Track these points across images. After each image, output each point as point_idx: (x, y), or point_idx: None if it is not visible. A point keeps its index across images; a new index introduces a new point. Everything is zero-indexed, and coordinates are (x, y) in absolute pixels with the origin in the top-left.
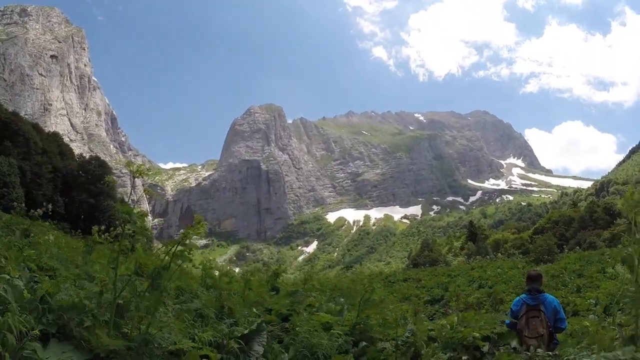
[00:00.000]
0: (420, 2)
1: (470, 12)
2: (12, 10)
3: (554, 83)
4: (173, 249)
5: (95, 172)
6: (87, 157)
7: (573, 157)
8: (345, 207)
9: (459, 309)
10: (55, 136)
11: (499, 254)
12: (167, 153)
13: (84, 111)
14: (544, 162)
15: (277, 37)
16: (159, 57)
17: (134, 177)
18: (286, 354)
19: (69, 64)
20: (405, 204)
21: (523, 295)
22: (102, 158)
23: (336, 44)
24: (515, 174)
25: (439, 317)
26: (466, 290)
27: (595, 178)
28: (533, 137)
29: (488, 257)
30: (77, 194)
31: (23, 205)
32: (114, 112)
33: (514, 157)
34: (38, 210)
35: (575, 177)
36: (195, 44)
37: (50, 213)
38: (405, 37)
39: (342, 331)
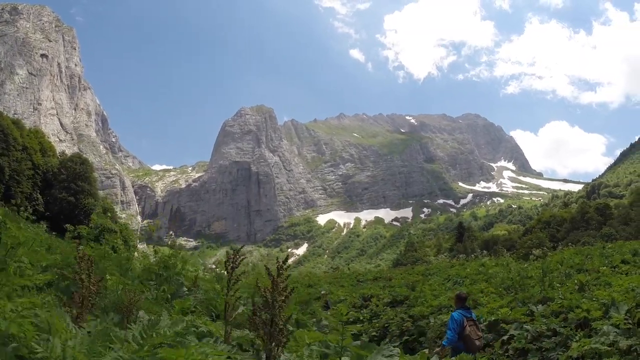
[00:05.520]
0: (394, 3)
1: (446, 12)
2: (2, 9)
3: (537, 84)
4: None
5: (76, 169)
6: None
7: (560, 158)
8: (335, 210)
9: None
10: (37, 133)
11: (484, 252)
12: (157, 154)
13: (74, 111)
14: (531, 164)
15: (260, 38)
16: (148, 59)
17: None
18: None
19: (59, 64)
20: (395, 207)
21: (460, 311)
22: (90, 158)
23: (315, 46)
24: (506, 177)
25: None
26: (437, 289)
27: (586, 181)
28: (518, 138)
29: (473, 255)
30: (58, 191)
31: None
32: (104, 113)
33: (504, 160)
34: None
35: (566, 180)
36: (183, 45)
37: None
38: (381, 39)
39: None
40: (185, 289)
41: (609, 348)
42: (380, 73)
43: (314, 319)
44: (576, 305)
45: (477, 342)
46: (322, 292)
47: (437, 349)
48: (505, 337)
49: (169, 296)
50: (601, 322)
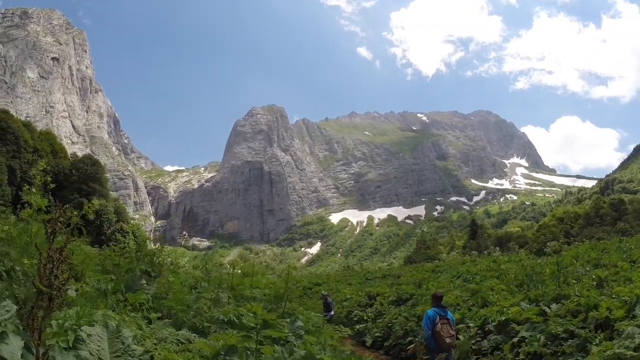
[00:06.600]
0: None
1: (452, 7)
2: (13, 13)
3: (546, 79)
4: None
5: (87, 171)
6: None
7: (572, 154)
8: (348, 208)
9: None
10: (48, 135)
11: (498, 249)
12: (169, 155)
13: (85, 113)
14: (543, 160)
15: (267, 38)
16: (158, 59)
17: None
18: None
19: (70, 66)
20: (408, 205)
21: (435, 309)
22: (103, 160)
23: (322, 45)
24: (519, 174)
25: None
26: (446, 287)
27: (599, 177)
28: (529, 134)
29: (486, 251)
30: (69, 193)
31: None
32: (116, 115)
33: (517, 157)
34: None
35: (579, 177)
36: (192, 46)
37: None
38: (388, 36)
39: None
40: (144, 281)
41: (635, 353)
42: (388, 70)
43: (289, 319)
44: (595, 303)
45: (448, 340)
46: (323, 293)
47: (411, 346)
48: (515, 340)
49: (123, 289)
50: (625, 322)
